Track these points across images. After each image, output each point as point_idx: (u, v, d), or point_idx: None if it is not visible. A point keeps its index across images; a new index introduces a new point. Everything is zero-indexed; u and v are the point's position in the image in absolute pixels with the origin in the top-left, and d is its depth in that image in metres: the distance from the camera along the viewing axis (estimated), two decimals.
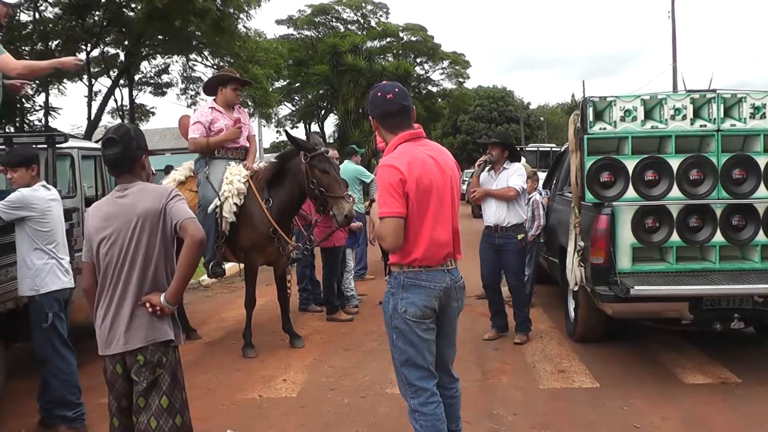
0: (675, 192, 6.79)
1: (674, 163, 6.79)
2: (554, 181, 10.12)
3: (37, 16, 24.49)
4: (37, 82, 26.18)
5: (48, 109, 26.32)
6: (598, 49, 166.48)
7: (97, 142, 19.30)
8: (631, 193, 6.83)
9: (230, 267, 10.48)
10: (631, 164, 6.83)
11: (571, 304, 7.98)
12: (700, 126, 6.87)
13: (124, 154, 3.81)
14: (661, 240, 6.77)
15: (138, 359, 3.73)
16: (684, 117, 6.87)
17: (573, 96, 64.39)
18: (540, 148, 20.77)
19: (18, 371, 6.63)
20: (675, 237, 6.75)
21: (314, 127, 44.87)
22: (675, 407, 5.84)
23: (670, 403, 5.93)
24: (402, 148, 3.97)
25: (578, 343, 7.80)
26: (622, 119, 6.93)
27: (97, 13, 25.50)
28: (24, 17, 25.03)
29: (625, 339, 7.83)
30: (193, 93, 32.61)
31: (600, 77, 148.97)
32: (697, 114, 6.89)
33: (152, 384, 3.75)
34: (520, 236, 7.90)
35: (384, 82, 4.29)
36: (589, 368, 6.94)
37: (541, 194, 9.82)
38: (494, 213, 7.92)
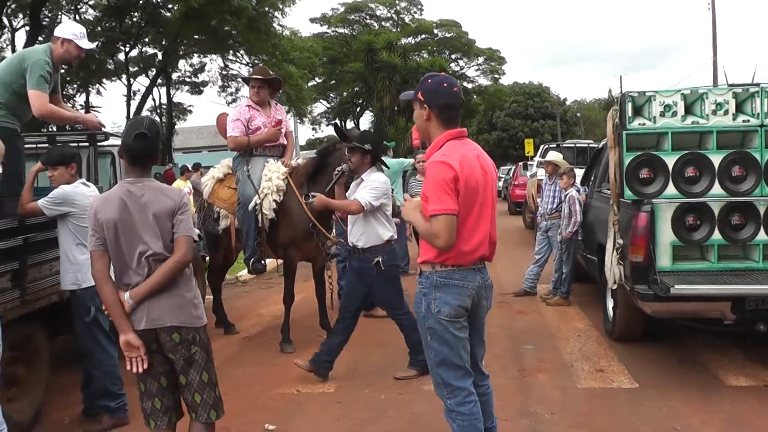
0: (716, 189, 6.65)
1: (716, 159, 6.65)
2: (592, 178, 10.00)
3: (77, 18, 24.84)
4: (78, 82, 26.59)
5: (88, 108, 26.69)
6: (636, 43, 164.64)
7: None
8: (671, 190, 6.70)
9: (267, 263, 10.51)
10: (671, 160, 6.71)
11: (610, 303, 7.87)
12: (743, 121, 6.72)
13: (149, 151, 3.96)
14: (702, 238, 6.64)
15: (173, 337, 3.86)
16: (726, 112, 6.73)
17: (610, 91, 63.81)
18: (577, 145, 20.56)
19: (62, 363, 6.74)
20: (716, 235, 6.61)
21: (349, 125, 44.97)
22: (716, 410, 5.72)
23: (711, 406, 5.81)
24: (450, 145, 3.91)
25: (617, 343, 7.68)
26: (662, 114, 6.81)
27: (135, 14, 25.88)
28: (65, 20, 25.39)
29: (664, 339, 7.69)
30: (232, 90, 32.94)
31: (638, 72, 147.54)
32: (739, 109, 6.75)
33: (189, 361, 3.91)
34: (376, 259, 6.55)
35: (443, 74, 4.22)
36: (628, 368, 6.83)
37: (579, 191, 9.73)
38: (350, 230, 6.81)
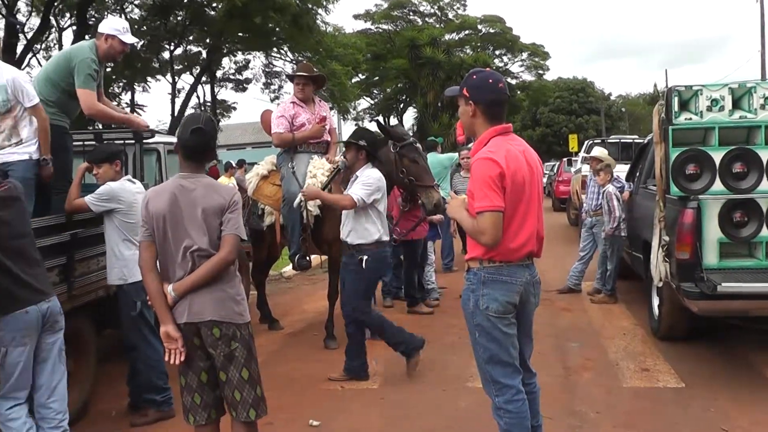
0: (765, 185, 6.54)
1: (764, 154, 6.54)
2: (637, 174, 9.89)
3: (123, 17, 25.20)
4: (124, 81, 26.98)
5: (134, 106, 27.12)
6: (682, 36, 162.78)
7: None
8: (718, 186, 6.60)
9: (312, 259, 10.59)
10: (718, 156, 6.60)
11: (656, 301, 7.77)
12: None
13: (205, 146, 3.99)
14: (750, 235, 6.52)
15: (214, 332, 3.88)
16: None
17: (655, 86, 63.16)
18: (622, 140, 20.34)
19: (109, 356, 6.86)
20: (765, 232, 6.49)
21: (393, 121, 45.02)
22: (766, 410, 5.62)
23: (760, 406, 5.70)
24: (495, 141, 3.89)
25: (662, 341, 7.58)
26: (709, 109, 6.72)
27: (179, 13, 26.13)
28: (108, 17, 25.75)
29: (711, 337, 7.58)
30: (275, 87, 33.15)
31: (684, 65, 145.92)
32: None
33: (229, 357, 3.91)
34: (363, 257, 6.46)
35: (488, 69, 4.21)
36: (674, 367, 6.75)
37: (623, 187, 9.63)
38: (342, 225, 6.74)
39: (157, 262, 3.98)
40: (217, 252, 3.88)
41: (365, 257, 6.45)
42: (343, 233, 6.65)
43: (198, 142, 3.93)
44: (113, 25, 6.28)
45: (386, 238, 6.61)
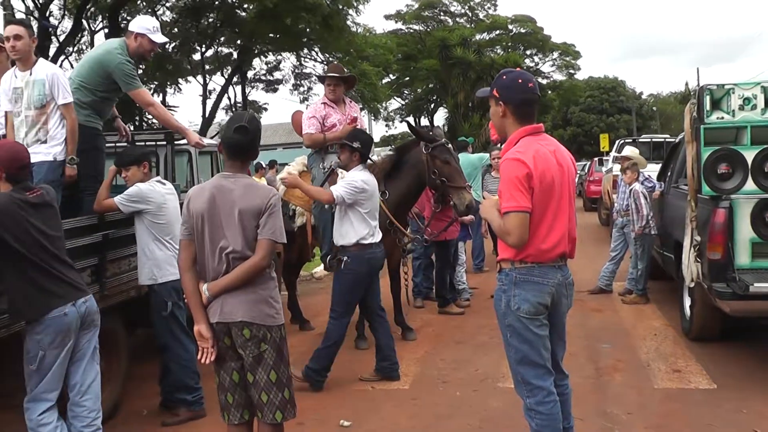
0: None
1: None
2: (669, 174, 9.82)
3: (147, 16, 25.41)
4: (156, 82, 27.24)
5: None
6: (714, 34, 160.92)
7: (212, 137, 19.84)
8: (750, 185, 6.54)
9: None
10: (750, 155, 6.54)
11: (687, 301, 7.72)
12: None
13: (249, 144, 4.01)
14: None
15: (244, 333, 3.90)
16: None
17: (686, 84, 62.50)
18: (653, 139, 20.20)
19: (140, 356, 6.92)
20: None
21: (424, 121, 45.01)
22: None
23: None
24: (525, 141, 3.88)
25: (694, 342, 7.53)
26: (741, 108, 6.68)
27: (210, 14, 26.30)
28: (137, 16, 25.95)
29: (743, 338, 7.51)
30: (304, 89, 33.24)
31: (716, 64, 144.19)
32: None
33: (258, 359, 3.93)
34: (344, 258, 6.47)
35: (518, 69, 4.21)
36: (706, 368, 6.71)
37: (654, 186, 9.57)
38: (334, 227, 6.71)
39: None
40: (253, 254, 3.90)
41: (345, 258, 6.46)
42: (335, 235, 6.64)
43: (242, 140, 3.96)
44: (143, 23, 6.35)
45: (371, 240, 6.44)
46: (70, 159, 5.66)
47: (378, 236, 6.53)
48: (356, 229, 6.40)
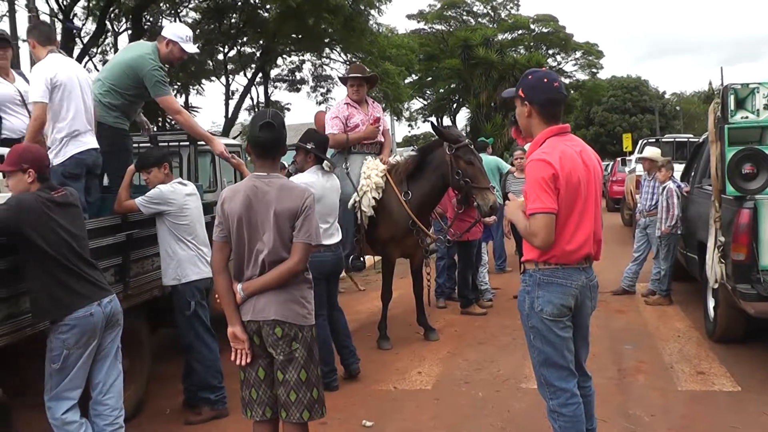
0: None
1: None
2: (692, 174, 9.76)
3: (177, 21, 25.56)
4: (179, 83, 27.41)
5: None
6: (738, 33, 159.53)
7: (235, 138, 19.91)
8: None
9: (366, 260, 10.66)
10: None
11: (711, 303, 7.66)
12: None
13: (277, 140, 3.98)
14: None
15: (276, 331, 3.90)
16: None
17: (710, 84, 61.84)
18: (676, 139, 20.10)
19: (164, 355, 6.99)
20: None
21: (446, 121, 44.94)
22: None
23: None
24: (551, 142, 3.87)
25: (718, 344, 7.48)
26: (766, 107, 6.64)
27: (233, 15, 26.42)
28: (166, 23, 26.09)
29: None
30: (323, 90, 33.29)
31: (740, 63, 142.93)
32: None
33: (289, 358, 3.92)
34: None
35: (544, 69, 4.20)
36: (730, 370, 6.66)
37: (680, 186, 9.52)
38: None
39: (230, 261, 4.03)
40: (289, 257, 3.91)
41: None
42: None
43: (269, 137, 3.94)
44: (177, 32, 6.37)
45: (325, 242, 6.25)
46: None
47: (335, 238, 6.50)
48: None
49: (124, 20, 25.53)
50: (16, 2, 18.39)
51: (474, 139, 10.63)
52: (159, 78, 6.12)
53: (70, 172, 5.55)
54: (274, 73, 32.88)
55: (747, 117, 6.71)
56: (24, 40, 6.46)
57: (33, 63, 5.84)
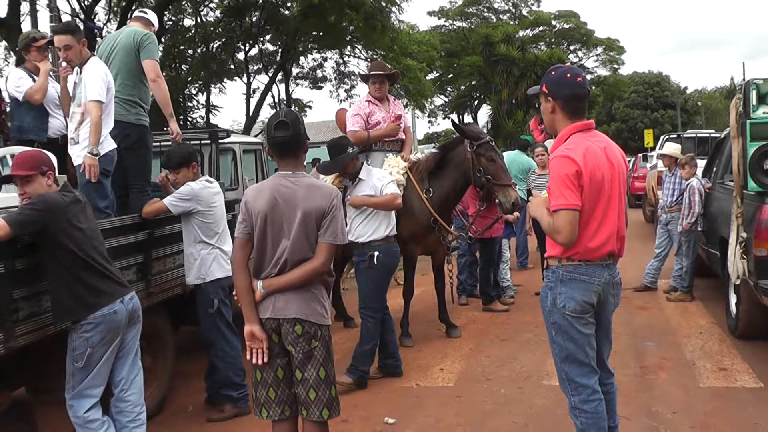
0: None
1: None
2: (714, 169, 9.73)
3: (199, 20, 25.68)
4: (200, 82, 27.54)
5: (209, 106, 27.61)
6: (760, 28, 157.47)
7: (256, 136, 19.98)
8: None
9: None
10: None
11: (733, 299, 7.63)
12: None
13: (294, 137, 3.95)
14: None
15: (296, 329, 3.89)
16: None
17: (732, 79, 61.49)
18: (698, 135, 19.99)
19: (187, 352, 7.04)
20: None
21: (467, 118, 44.87)
22: None
23: None
24: (575, 138, 3.86)
25: (740, 340, 7.45)
26: None
27: (255, 13, 26.50)
28: (187, 22, 26.30)
29: None
30: (347, 87, 33.33)
31: (762, 58, 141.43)
32: None
33: (308, 356, 3.92)
34: (374, 254, 6.45)
35: (567, 64, 4.20)
36: (752, 367, 6.64)
37: (702, 183, 9.49)
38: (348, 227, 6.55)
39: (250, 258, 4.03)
40: (314, 256, 3.91)
41: (377, 253, 6.47)
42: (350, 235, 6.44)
43: (285, 135, 3.91)
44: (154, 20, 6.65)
45: (395, 232, 6.63)
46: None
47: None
48: (386, 223, 6.53)
49: None
50: (37, 2, 18.58)
51: (495, 136, 10.58)
52: (150, 43, 6.16)
53: (105, 168, 5.59)
54: (295, 71, 32.95)
55: None
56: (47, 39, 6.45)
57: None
